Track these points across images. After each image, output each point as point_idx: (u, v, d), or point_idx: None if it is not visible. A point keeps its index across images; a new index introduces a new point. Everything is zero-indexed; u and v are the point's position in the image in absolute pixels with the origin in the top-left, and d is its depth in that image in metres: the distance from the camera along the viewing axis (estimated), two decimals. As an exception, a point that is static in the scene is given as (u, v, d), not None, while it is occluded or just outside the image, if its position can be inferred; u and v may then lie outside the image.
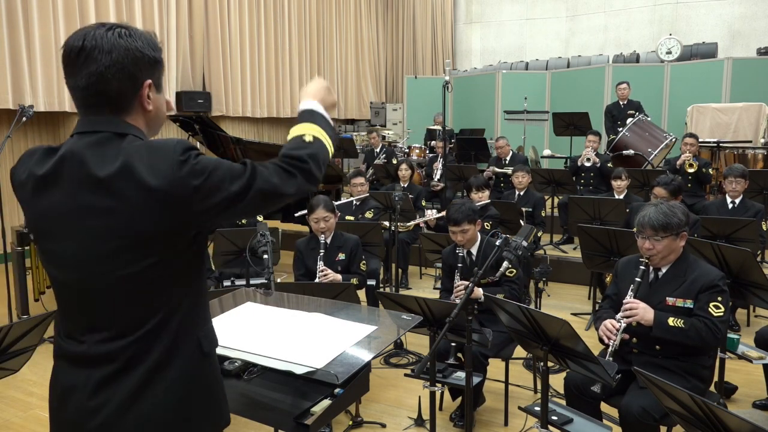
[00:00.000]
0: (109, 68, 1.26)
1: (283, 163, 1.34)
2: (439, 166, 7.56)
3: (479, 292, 3.29)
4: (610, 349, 2.62)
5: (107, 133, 1.28)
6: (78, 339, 1.33)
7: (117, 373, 1.28)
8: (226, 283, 4.54)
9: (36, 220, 1.34)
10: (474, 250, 3.54)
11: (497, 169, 7.37)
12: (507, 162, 7.45)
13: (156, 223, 1.24)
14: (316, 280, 3.78)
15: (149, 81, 1.32)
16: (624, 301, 2.67)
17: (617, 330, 2.62)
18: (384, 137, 10.01)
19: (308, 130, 1.44)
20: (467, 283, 3.34)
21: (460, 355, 3.25)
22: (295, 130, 1.45)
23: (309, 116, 1.48)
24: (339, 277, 3.83)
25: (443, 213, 5.67)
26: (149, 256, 1.26)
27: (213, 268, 4.60)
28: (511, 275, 3.38)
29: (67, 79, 1.30)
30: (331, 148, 1.47)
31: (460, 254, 3.50)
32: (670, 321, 2.53)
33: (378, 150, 8.63)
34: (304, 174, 1.35)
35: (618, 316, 2.66)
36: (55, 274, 1.34)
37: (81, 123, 1.32)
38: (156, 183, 1.21)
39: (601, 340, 2.68)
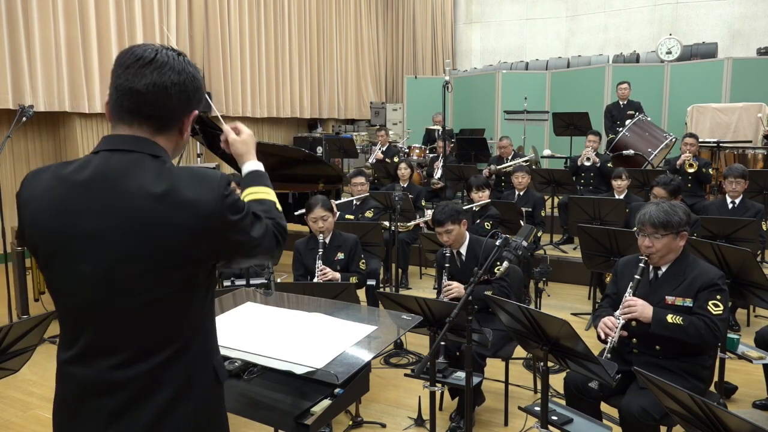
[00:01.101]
0: (175, 85, 1.30)
1: (275, 229, 1.42)
2: (439, 165, 7.58)
3: (461, 289, 3.30)
4: (608, 346, 2.62)
5: (143, 154, 1.28)
6: (87, 363, 1.28)
7: (131, 403, 1.25)
8: (226, 283, 4.54)
9: (52, 240, 1.27)
10: (463, 250, 3.55)
11: (495, 167, 7.34)
12: (509, 160, 7.46)
13: (189, 249, 1.25)
14: (315, 280, 3.78)
15: (196, 111, 1.37)
16: (623, 298, 2.67)
17: (616, 327, 2.62)
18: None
19: (271, 196, 1.51)
20: (455, 283, 3.37)
21: (458, 353, 3.25)
22: (261, 193, 1.51)
23: (262, 178, 1.54)
24: (338, 275, 3.83)
25: None
26: (176, 280, 1.26)
27: None
28: (499, 273, 3.37)
29: (119, 80, 1.29)
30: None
31: (447, 254, 3.51)
32: (669, 318, 2.54)
33: (384, 149, 8.66)
34: (283, 241, 1.44)
35: (617, 313, 2.67)
36: (68, 296, 1.29)
37: (111, 140, 1.30)
38: (199, 210, 1.24)
39: (599, 337, 2.68)
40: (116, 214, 1.23)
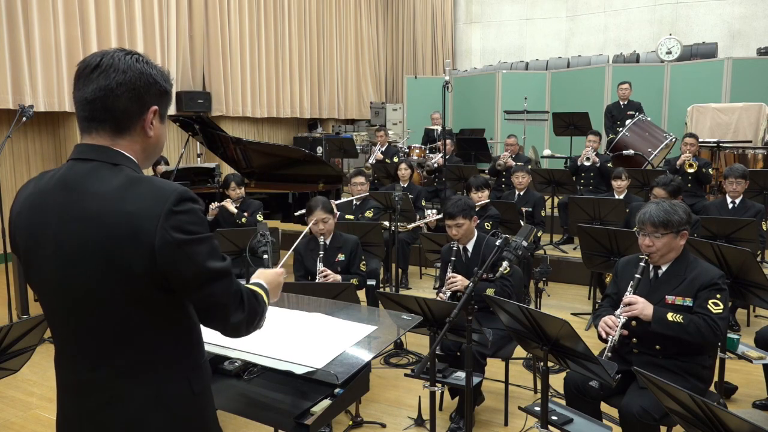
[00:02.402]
0: (121, 85, 1.27)
1: (245, 294, 1.35)
2: (437, 156, 7.66)
3: (465, 282, 3.31)
4: (609, 344, 2.62)
5: (102, 163, 1.28)
6: (64, 364, 1.35)
7: (104, 406, 1.29)
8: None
9: (26, 246, 1.33)
10: (470, 246, 3.57)
11: (504, 161, 7.33)
12: (513, 157, 7.47)
13: (131, 261, 1.22)
14: (316, 281, 3.78)
15: (156, 107, 1.33)
16: (624, 296, 2.67)
17: (616, 326, 2.63)
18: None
19: (265, 298, 1.46)
20: (460, 276, 3.37)
21: (459, 354, 3.25)
22: (255, 288, 1.46)
23: (265, 290, 1.50)
24: (339, 277, 3.83)
25: (441, 215, 5.68)
26: (125, 292, 1.25)
27: None
28: (505, 272, 3.39)
29: (76, 92, 1.30)
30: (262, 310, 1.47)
31: (454, 248, 3.52)
32: (669, 316, 2.54)
33: (384, 149, 8.67)
34: (251, 316, 1.36)
35: (617, 311, 2.67)
36: (42, 300, 1.36)
37: (77, 149, 1.32)
38: (140, 223, 1.20)
39: (600, 336, 2.68)
40: (68, 224, 1.26)
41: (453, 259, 3.50)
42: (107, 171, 1.27)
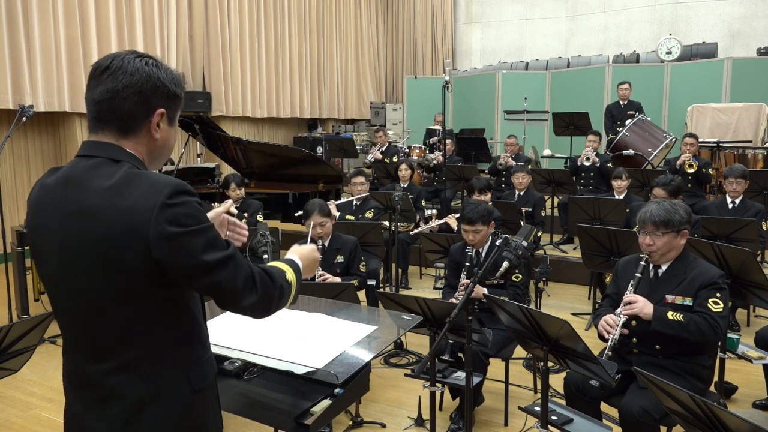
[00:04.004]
0: (126, 88, 1.29)
1: (258, 276, 1.35)
2: (438, 155, 7.67)
3: (482, 290, 3.31)
4: (609, 343, 2.62)
5: (104, 159, 1.30)
6: (68, 356, 1.37)
7: (103, 401, 1.30)
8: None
9: (32, 235, 1.38)
10: (483, 251, 3.59)
11: (505, 160, 7.34)
12: (513, 157, 7.48)
13: (127, 256, 1.23)
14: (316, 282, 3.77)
15: (162, 110, 1.34)
16: (624, 295, 2.67)
17: (616, 325, 2.63)
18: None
19: (291, 275, 1.49)
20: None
21: (461, 355, 3.25)
22: (282, 266, 1.50)
23: (295, 266, 1.54)
24: (338, 280, 3.82)
25: (444, 220, 5.67)
26: (122, 287, 1.26)
27: None
28: (517, 280, 3.41)
29: (87, 93, 1.33)
30: (292, 299, 1.51)
31: (469, 253, 3.53)
32: (670, 315, 2.54)
33: (384, 149, 8.67)
34: (265, 298, 1.36)
35: (617, 310, 2.67)
36: (48, 293, 1.39)
37: (83, 146, 1.34)
38: (135, 217, 1.22)
39: (600, 336, 2.68)
40: (68, 218, 1.28)
41: (467, 264, 3.51)
42: (107, 167, 1.28)
